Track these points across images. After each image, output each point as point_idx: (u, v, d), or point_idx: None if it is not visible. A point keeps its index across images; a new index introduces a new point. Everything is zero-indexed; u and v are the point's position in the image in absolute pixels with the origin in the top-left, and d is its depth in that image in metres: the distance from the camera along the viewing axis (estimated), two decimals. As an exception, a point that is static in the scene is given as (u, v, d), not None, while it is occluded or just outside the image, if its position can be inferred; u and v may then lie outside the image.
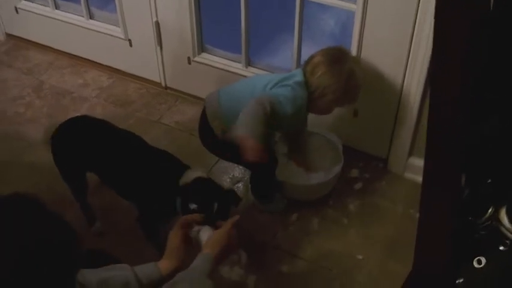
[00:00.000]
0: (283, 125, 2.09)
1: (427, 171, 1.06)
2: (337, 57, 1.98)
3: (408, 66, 2.10)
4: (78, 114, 2.40)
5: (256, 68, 2.55)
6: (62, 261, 0.96)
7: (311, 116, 2.15)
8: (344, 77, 1.95)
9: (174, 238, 1.44)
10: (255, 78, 2.20)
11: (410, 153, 2.33)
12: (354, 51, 2.19)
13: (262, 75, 2.36)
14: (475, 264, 1.06)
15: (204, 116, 2.10)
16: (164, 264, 1.39)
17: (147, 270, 1.36)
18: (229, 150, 2.13)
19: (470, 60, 0.86)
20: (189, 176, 1.78)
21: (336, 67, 1.96)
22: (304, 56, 2.07)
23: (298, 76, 1.99)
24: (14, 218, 0.96)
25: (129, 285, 1.30)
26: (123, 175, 1.92)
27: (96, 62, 3.07)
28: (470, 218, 1.08)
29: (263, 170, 2.13)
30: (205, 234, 1.47)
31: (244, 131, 1.85)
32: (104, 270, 1.31)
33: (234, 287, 1.98)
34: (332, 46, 2.06)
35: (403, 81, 2.15)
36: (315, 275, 2.03)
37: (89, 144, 1.96)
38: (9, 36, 3.32)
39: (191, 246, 1.48)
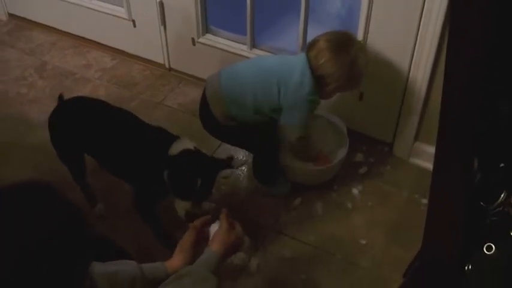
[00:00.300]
0: None
1: (438, 156, 1.03)
2: (342, 44, 1.94)
3: (415, 51, 2.07)
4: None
5: (261, 50, 2.52)
6: (77, 247, 0.97)
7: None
8: (347, 64, 1.92)
9: (187, 238, 1.45)
10: (258, 60, 2.17)
11: (416, 138, 2.31)
12: (360, 35, 2.15)
13: (265, 56, 2.34)
14: (485, 251, 1.05)
15: (204, 97, 2.07)
16: (175, 262, 1.40)
17: (153, 268, 1.38)
18: (229, 133, 2.11)
19: (487, 43, 0.83)
20: (177, 147, 1.79)
21: (339, 54, 1.92)
22: (310, 39, 2.03)
23: (302, 60, 1.95)
24: (31, 204, 0.95)
25: (136, 281, 1.31)
26: (116, 154, 1.91)
27: (99, 43, 3.04)
28: (481, 204, 1.07)
29: (266, 153, 2.12)
30: (215, 227, 1.48)
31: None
32: (112, 264, 1.31)
33: (237, 271, 1.97)
34: (337, 30, 2.02)
35: (410, 66, 2.12)
36: (318, 260, 2.02)
37: (82, 125, 1.96)
38: (11, 16, 3.30)
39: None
